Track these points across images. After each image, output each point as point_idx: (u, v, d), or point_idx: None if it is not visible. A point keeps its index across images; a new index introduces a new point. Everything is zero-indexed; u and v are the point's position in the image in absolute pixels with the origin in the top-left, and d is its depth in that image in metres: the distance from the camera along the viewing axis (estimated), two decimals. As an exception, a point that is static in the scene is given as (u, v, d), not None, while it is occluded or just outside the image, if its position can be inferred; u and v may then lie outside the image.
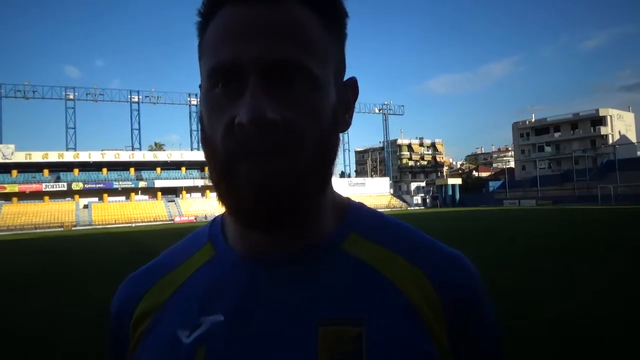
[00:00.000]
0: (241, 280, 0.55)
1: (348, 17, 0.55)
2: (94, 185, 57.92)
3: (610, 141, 67.74)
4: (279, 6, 0.48)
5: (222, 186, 0.50)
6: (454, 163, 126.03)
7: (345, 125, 0.57)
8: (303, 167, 0.48)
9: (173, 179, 62.58)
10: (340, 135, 0.56)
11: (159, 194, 61.36)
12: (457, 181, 74.63)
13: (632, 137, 71.57)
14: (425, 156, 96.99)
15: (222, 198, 0.51)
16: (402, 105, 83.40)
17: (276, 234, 0.53)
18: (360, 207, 0.64)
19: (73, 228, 49.99)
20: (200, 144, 0.52)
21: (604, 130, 69.06)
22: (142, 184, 60.08)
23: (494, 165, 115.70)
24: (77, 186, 56.59)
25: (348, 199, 0.64)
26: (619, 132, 70.03)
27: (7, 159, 53.50)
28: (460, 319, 0.54)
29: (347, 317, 0.51)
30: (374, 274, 0.55)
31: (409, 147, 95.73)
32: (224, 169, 0.49)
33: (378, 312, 0.51)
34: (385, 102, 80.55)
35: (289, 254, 0.55)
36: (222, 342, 0.51)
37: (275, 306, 0.52)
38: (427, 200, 74.50)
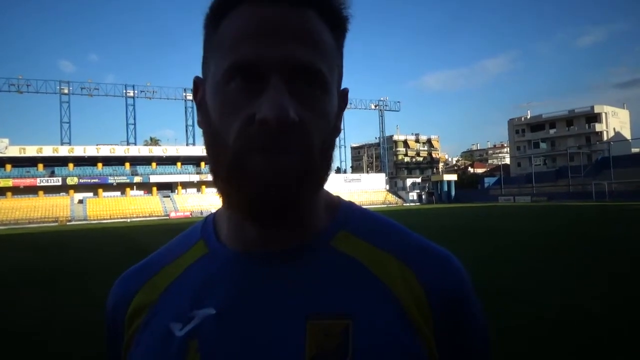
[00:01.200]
0: (233, 275, 0.56)
1: (347, 31, 0.58)
2: (89, 180, 57.55)
3: (605, 138, 68.01)
4: (297, 12, 0.50)
5: (231, 178, 0.50)
6: (450, 159, 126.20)
7: (337, 131, 0.59)
8: (310, 165, 0.50)
9: (168, 174, 62.31)
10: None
11: (155, 189, 61.08)
12: (453, 177, 74.83)
13: (627, 134, 71.95)
14: (421, 152, 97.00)
15: (228, 190, 0.52)
16: (398, 102, 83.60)
17: (277, 227, 0.54)
18: (350, 205, 0.65)
19: (68, 223, 49.70)
20: (203, 137, 0.54)
21: (598, 127, 69.34)
22: (137, 179, 59.76)
23: (490, 161, 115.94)
24: (71, 181, 56.23)
25: (338, 197, 0.66)
26: (614, 129, 70.33)
27: (1, 153, 53.02)
28: (448, 320, 0.55)
29: (335, 312, 0.52)
30: (363, 270, 0.56)
31: (405, 143, 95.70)
32: (234, 162, 0.49)
33: (365, 308, 0.53)
34: (382, 98, 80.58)
35: (279, 251, 0.56)
36: (214, 335, 0.52)
37: (266, 301, 0.53)
38: (423, 197, 74.64)
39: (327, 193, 0.64)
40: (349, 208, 0.64)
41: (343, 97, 0.60)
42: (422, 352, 0.52)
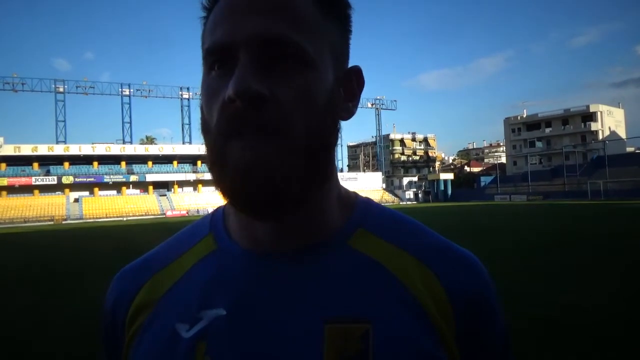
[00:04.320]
0: (244, 274, 0.54)
1: (350, 8, 0.55)
2: (85, 179, 57.37)
3: (600, 137, 68.30)
4: None
5: (215, 170, 0.49)
6: (446, 158, 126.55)
7: (348, 113, 0.56)
8: (295, 148, 0.47)
9: (165, 172, 62.20)
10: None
11: (151, 188, 60.94)
12: (449, 176, 75.02)
13: (622, 133, 72.29)
14: (417, 151, 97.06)
15: (216, 183, 0.49)
16: (395, 100, 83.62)
17: (271, 220, 0.51)
18: (368, 202, 0.62)
19: (63, 222, 49.53)
20: (201, 133, 0.52)
21: (594, 126, 69.61)
22: (133, 178, 59.60)
23: (486, 160, 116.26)
24: (67, 180, 56.01)
25: (355, 193, 0.63)
26: (609, 128, 70.64)
27: (-4, 152, 52.79)
28: (470, 323, 0.53)
29: (354, 315, 0.50)
30: (382, 271, 0.53)
31: (402, 142, 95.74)
32: (216, 152, 0.48)
33: (386, 311, 0.50)
34: (378, 97, 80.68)
35: (293, 250, 0.54)
36: (224, 338, 0.50)
37: (280, 302, 0.51)
38: (419, 195, 74.78)
39: (343, 188, 0.60)
40: (367, 205, 0.61)
41: (352, 75, 0.57)
42: (443, 356, 0.51)
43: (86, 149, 58.17)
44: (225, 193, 0.49)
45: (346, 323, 0.49)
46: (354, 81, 0.56)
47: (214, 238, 0.59)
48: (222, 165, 0.47)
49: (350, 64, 0.56)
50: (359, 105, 0.51)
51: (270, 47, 0.47)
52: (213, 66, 0.49)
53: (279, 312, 0.50)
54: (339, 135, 0.54)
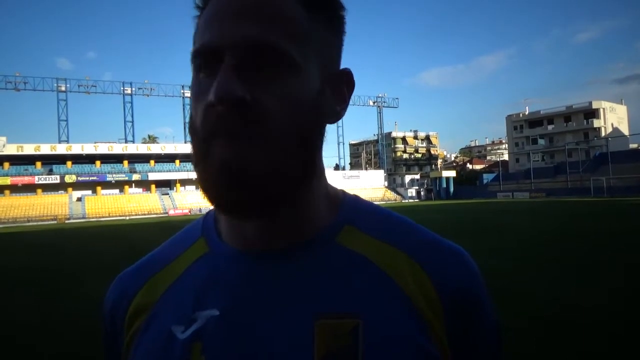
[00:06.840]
0: (235, 275, 0.55)
1: (344, 9, 0.54)
2: (87, 178, 57.49)
3: (603, 134, 68.03)
4: None
5: (198, 171, 0.49)
6: (448, 156, 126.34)
7: (335, 115, 0.56)
8: (277, 153, 0.47)
9: (167, 171, 62.26)
10: (333, 125, 0.55)
11: (153, 186, 61.05)
12: (452, 174, 74.80)
13: (625, 130, 72.02)
14: (419, 149, 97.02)
15: (199, 184, 0.50)
16: (397, 98, 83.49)
17: (254, 221, 0.52)
18: (355, 199, 0.62)
19: (66, 221, 49.67)
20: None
21: (596, 123, 69.34)
22: (135, 177, 59.71)
23: (488, 157, 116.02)
24: (70, 179, 56.14)
25: (342, 191, 0.63)
26: (612, 124, 70.37)
27: (-1, 151, 52.94)
28: (460, 318, 0.54)
29: (343, 311, 0.50)
30: (370, 267, 0.54)
31: (404, 140, 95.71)
32: (199, 154, 0.48)
33: (374, 306, 0.51)
34: (380, 95, 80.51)
35: (282, 248, 0.55)
36: (218, 337, 0.51)
37: (271, 301, 0.52)
38: (422, 193, 74.71)
39: (330, 186, 0.61)
40: (354, 202, 0.62)
41: (343, 78, 0.56)
42: (435, 351, 0.51)
43: (88, 148, 58.29)
44: (207, 196, 0.49)
45: (336, 319, 0.50)
46: (343, 84, 0.56)
47: (206, 240, 0.60)
48: (204, 168, 0.48)
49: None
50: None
51: (255, 52, 0.47)
52: (200, 68, 0.49)
53: (270, 310, 0.51)
54: (325, 136, 0.55)
